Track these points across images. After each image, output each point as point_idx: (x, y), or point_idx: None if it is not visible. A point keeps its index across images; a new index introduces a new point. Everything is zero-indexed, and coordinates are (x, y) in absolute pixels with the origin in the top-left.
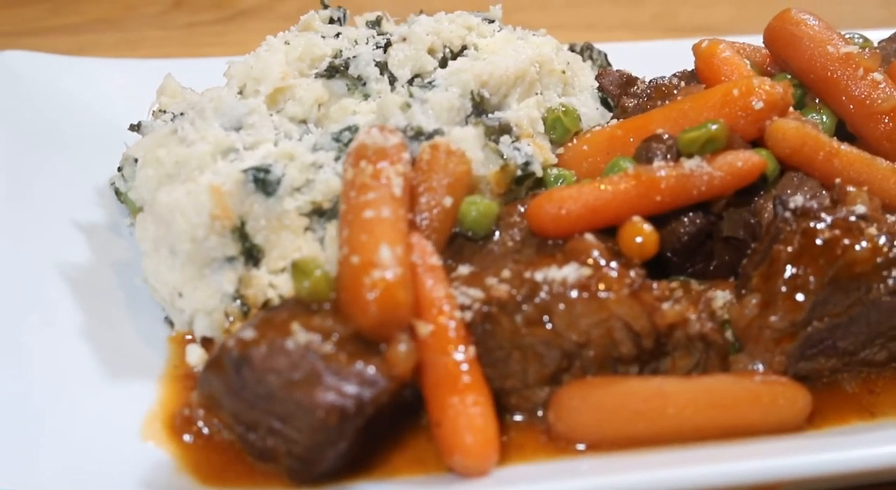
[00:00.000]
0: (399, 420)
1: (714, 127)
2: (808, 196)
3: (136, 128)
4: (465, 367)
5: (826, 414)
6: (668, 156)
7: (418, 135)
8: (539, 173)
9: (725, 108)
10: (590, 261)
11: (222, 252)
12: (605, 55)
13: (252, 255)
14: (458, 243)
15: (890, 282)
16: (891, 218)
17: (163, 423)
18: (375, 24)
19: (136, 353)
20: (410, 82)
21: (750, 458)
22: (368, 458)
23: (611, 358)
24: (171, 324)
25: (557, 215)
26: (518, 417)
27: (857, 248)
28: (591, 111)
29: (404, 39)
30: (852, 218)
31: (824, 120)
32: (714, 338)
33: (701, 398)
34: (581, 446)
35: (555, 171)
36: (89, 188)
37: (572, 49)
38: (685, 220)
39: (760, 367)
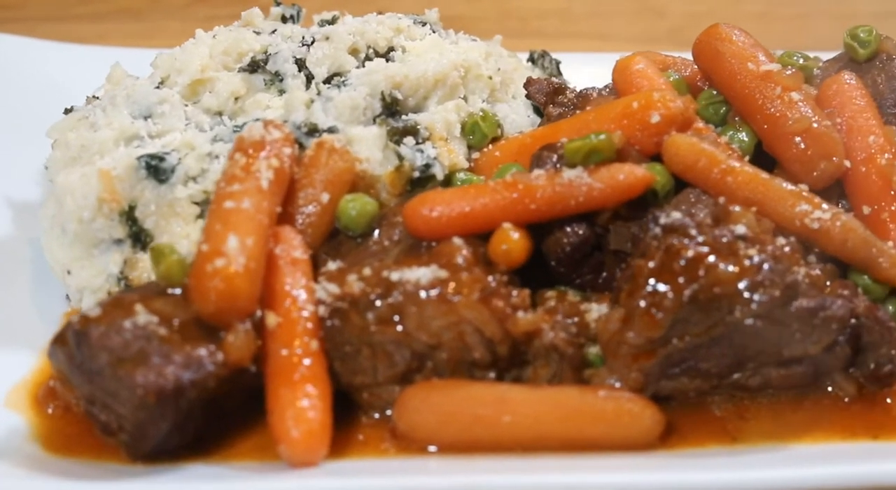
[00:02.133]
0: (252, 407)
1: (598, 137)
2: (693, 213)
3: (69, 111)
4: (304, 360)
5: (686, 435)
6: (559, 165)
7: (312, 131)
8: (440, 176)
9: (624, 121)
10: (450, 263)
11: (109, 234)
12: (558, 64)
13: (140, 239)
14: (339, 240)
15: (753, 306)
16: (781, 241)
17: (28, 392)
18: (329, 23)
19: (28, 325)
20: (329, 81)
21: (569, 471)
22: (213, 440)
23: (465, 362)
24: (69, 300)
25: (429, 217)
26: (377, 415)
27: (721, 268)
28: (521, 118)
29: (327, 38)
30: (725, 238)
31: (743, 138)
32: (565, 349)
33: (543, 409)
34: (433, 448)
35: (462, 175)
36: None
37: (531, 57)
38: (569, 230)
39: (617, 383)
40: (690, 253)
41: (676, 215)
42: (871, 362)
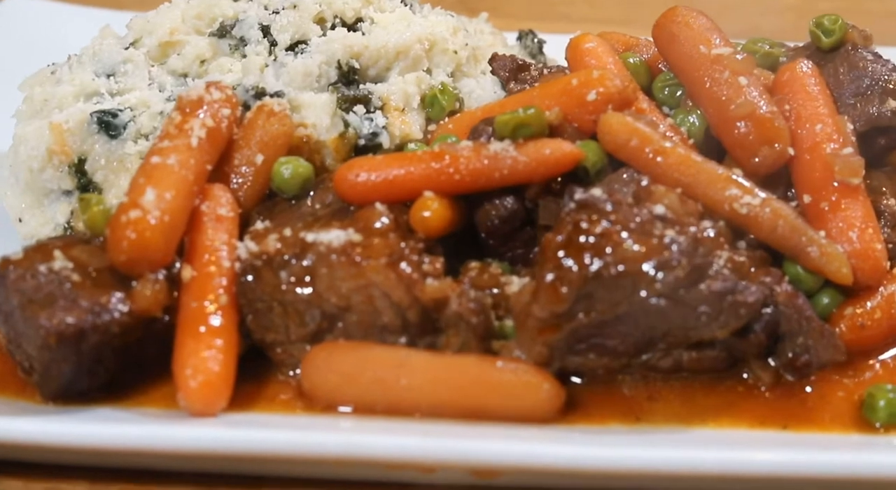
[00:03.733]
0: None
1: (527, 111)
2: (614, 190)
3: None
4: (213, 313)
5: (589, 412)
6: (493, 138)
7: (260, 95)
8: (387, 145)
9: (564, 97)
10: (366, 228)
11: (58, 185)
12: (541, 44)
13: (89, 192)
14: (275, 201)
15: (658, 285)
16: (706, 224)
17: None
18: None
19: None
20: (293, 48)
21: (456, 437)
22: (131, 386)
23: (375, 326)
24: None
25: (356, 182)
26: (292, 373)
27: (628, 246)
28: (487, 94)
29: (295, 6)
30: (639, 218)
31: (694, 122)
32: (469, 318)
33: (441, 375)
34: (347, 409)
35: (413, 146)
36: None
37: (519, 36)
38: (497, 203)
39: (523, 355)
40: (598, 229)
41: (594, 192)
42: (789, 351)
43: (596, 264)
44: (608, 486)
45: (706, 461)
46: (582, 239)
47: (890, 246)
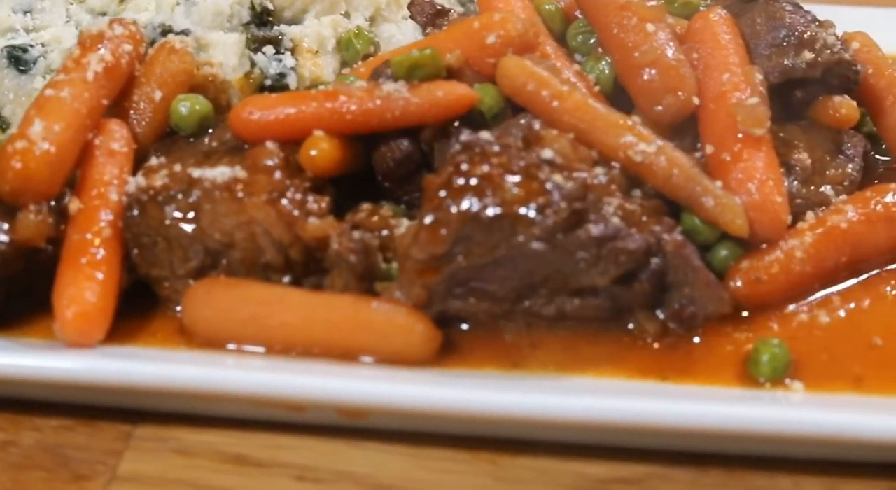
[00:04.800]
0: None
1: (421, 52)
2: (504, 134)
3: None
4: (95, 246)
5: (466, 357)
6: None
7: (166, 33)
8: (293, 86)
9: (465, 40)
10: (254, 165)
11: None
12: None
13: None
14: (175, 138)
15: (535, 229)
16: (598, 171)
17: None
18: None
19: None
20: None
21: (323, 375)
22: (19, 316)
23: (259, 264)
24: None
25: (249, 120)
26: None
27: (507, 188)
28: (408, 39)
29: None
30: (524, 161)
31: (604, 69)
32: (347, 257)
33: (315, 314)
34: (232, 346)
35: (324, 88)
36: None
37: None
38: (393, 145)
39: (403, 297)
40: (479, 171)
41: (482, 134)
42: (675, 303)
43: (474, 206)
44: (476, 431)
45: (568, 408)
46: (461, 181)
47: (798, 201)
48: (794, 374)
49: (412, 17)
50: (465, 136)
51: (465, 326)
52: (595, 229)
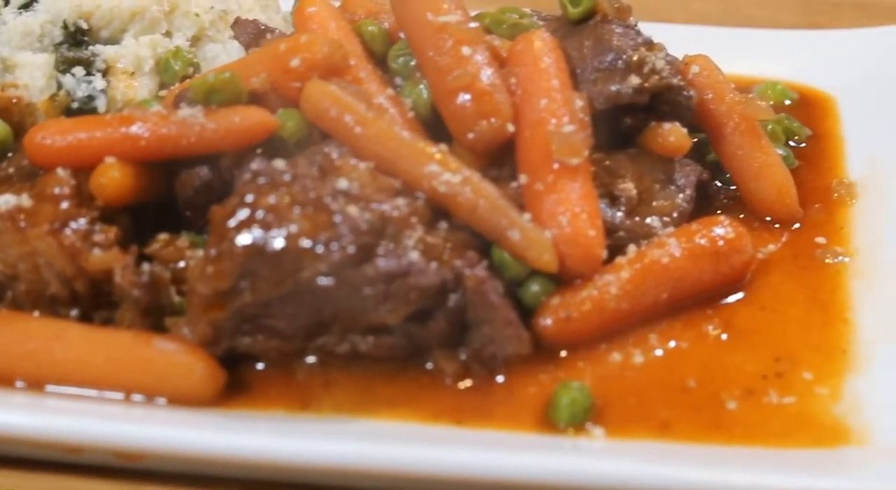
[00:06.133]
0: None
1: (218, 76)
2: (299, 162)
3: None
4: None
5: (255, 397)
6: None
7: None
8: (101, 109)
9: (271, 63)
10: (42, 193)
11: None
12: None
13: None
14: None
15: (321, 265)
16: (398, 201)
17: None
18: None
19: None
20: (27, 6)
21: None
22: None
23: (45, 297)
24: None
25: (42, 145)
26: None
27: (295, 221)
28: (232, 59)
29: None
30: (314, 193)
31: (422, 92)
32: (130, 293)
33: (95, 350)
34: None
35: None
36: None
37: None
38: (192, 172)
39: (188, 333)
40: (266, 202)
41: (276, 163)
42: (476, 342)
43: (259, 239)
44: (260, 475)
45: (340, 454)
46: (247, 212)
47: (621, 233)
48: (597, 419)
49: (235, 37)
50: (256, 164)
51: (260, 365)
52: (384, 264)
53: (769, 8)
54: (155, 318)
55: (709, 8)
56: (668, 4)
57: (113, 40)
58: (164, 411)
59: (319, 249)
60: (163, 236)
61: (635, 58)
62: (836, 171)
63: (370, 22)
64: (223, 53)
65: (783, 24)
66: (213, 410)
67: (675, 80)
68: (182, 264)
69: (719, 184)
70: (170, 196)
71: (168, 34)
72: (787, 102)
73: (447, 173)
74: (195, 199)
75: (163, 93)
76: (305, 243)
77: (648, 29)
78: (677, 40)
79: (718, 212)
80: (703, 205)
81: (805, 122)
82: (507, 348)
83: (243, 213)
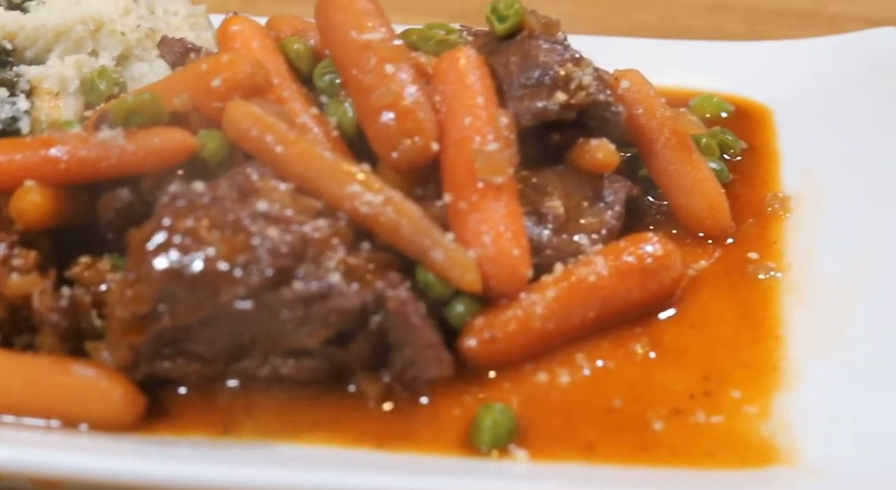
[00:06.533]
0: None
1: (137, 97)
2: (219, 184)
3: None
4: None
5: (176, 422)
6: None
7: None
8: (25, 131)
9: (193, 83)
10: None
11: None
12: None
13: None
14: None
15: (239, 288)
16: (321, 223)
17: None
18: None
19: None
20: None
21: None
22: None
23: None
24: None
25: None
26: None
27: (212, 244)
28: (160, 78)
29: None
30: (232, 215)
31: (347, 111)
32: (48, 318)
33: (13, 376)
34: None
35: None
36: None
37: None
38: (113, 195)
39: (108, 357)
40: (183, 225)
41: (195, 185)
42: (398, 364)
43: (176, 262)
44: None
45: (259, 479)
46: (164, 235)
47: (548, 252)
48: (521, 441)
49: (161, 56)
50: (175, 187)
51: (182, 389)
52: (302, 287)
53: (710, 18)
54: (75, 342)
55: (650, 18)
56: (609, 15)
57: (38, 60)
58: (82, 437)
59: (237, 273)
60: (84, 259)
61: (562, 73)
62: (770, 185)
63: (295, 40)
64: (150, 72)
65: (724, 33)
66: (133, 436)
67: (602, 96)
68: (104, 287)
69: (651, 199)
70: (93, 218)
71: (94, 54)
72: (724, 115)
73: (369, 193)
74: (117, 222)
75: (88, 113)
76: (223, 266)
77: (585, 42)
78: (615, 53)
79: (650, 228)
80: (635, 221)
81: (741, 135)
82: (428, 371)
83: (161, 237)
